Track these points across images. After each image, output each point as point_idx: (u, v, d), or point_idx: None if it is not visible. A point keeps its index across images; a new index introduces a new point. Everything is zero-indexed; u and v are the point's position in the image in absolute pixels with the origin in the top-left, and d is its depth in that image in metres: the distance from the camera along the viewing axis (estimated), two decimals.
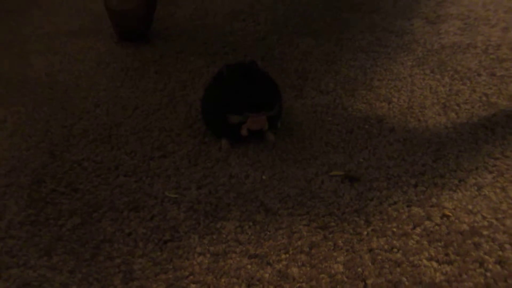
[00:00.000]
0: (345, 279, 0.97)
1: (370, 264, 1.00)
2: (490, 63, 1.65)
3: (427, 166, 1.25)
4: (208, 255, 1.03)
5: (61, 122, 1.44)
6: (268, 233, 1.08)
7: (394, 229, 1.08)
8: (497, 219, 1.10)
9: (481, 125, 1.39)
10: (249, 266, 1.01)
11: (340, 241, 1.05)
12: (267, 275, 0.98)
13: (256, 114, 1.27)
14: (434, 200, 1.15)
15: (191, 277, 0.99)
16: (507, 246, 1.03)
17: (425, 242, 1.05)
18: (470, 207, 1.13)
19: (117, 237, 1.08)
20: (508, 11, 1.98)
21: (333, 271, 0.99)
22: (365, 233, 1.07)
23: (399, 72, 1.63)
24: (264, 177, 1.23)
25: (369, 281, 0.97)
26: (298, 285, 0.97)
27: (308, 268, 0.99)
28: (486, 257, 1.01)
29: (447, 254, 1.02)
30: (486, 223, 1.09)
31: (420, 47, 1.77)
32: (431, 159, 1.28)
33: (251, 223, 1.11)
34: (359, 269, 0.99)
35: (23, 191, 1.21)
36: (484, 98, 1.49)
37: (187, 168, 1.27)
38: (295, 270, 0.99)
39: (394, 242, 1.05)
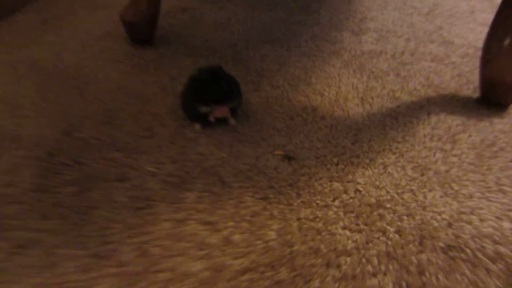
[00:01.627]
0: (276, 245, 0.75)
1: (297, 232, 0.78)
2: (396, 66, 1.39)
3: (347, 148, 1.01)
4: (171, 222, 0.80)
5: (78, 107, 1.18)
6: (221, 202, 0.85)
7: (318, 201, 0.85)
8: (397, 193, 0.87)
9: (388, 115, 1.14)
10: (202, 232, 0.78)
11: (275, 211, 0.83)
12: (215, 241, 0.76)
13: (220, 105, 1.03)
14: (350, 176, 0.92)
15: (155, 241, 0.76)
16: (404, 217, 0.81)
17: (341, 213, 0.82)
18: (377, 182, 0.90)
19: (102, 205, 0.85)
20: (410, 26, 1.70)
21: (267, 238, 0.76)
22: (295, 204, 0.84)
23: (331, 72, 1.37)
24: (223, 155, 0.99)
25: (295, 247, 0.74)
26: (238, 249, 0.74)
27: (248, 235, 0.77)
28: (388, 227, 0.78)
29: (357, 224, 0.79)
30: (389, 197, 0.86)
31: (346, 53, 1.50)
32: (350, 142, 1.04)
33: (208, 194, 0.87)
34: (288, 236, 0.77)
35: (38, 162, 0.96)
36: (391, 93, 1.24)
37: (166, 146, 1.02)
38: (237, 236, 0.77)
39: (317, 212, 0.82)
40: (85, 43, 1.56)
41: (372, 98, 1.22)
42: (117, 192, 0.88)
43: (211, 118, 1.05)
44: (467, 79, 1.30)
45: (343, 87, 1.28)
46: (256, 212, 0.82)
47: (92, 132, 1.07)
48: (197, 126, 1.08)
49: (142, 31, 1.51)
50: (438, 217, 0.81)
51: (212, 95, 1.01)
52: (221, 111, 1.04)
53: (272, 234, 0.77)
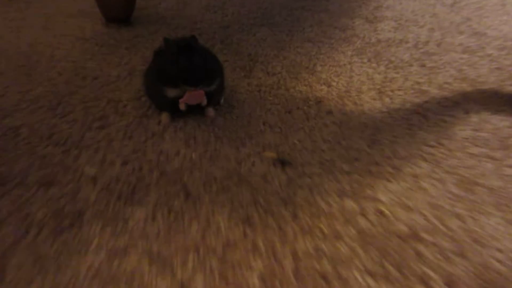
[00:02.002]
0: None
1: (292, 279, 0.49)
2: (420, 56, 1.11)
3: (362, 152, 0.73)
4: (104, 251, 0.52)
5: (19, 88, 0.90)
6: (182, 224, 0.57)
7: (323, 227, 0.57)
8: (438, 218, 0.59)
9: (414, 112, 0.86)
10: (146, 271, 0.50)
11: (260, 241, 0.54)
12: (163, 287, 0.47)
13: (193, 89, 0.74)
14: (368, 191, 0.63)
15: (71, 284, 0.48)
16: (454, 258, 0.53)
17: (358, 247, 0.54)
18: (407, 201, 0.62)
19: (9, 220, 0.57)
20: (432, 16, 1.42)
21: (245, 286, 0.48)
22: (290, 230, 0.56)
23: (340, 59, 1.09)
24: (194, 155, 0.71)
25: None
26: None
27: (216, 279, 0.49)
28: (432, 273, 0.50)
29: (383, 266, 0.51)
30: (426, 224, 0.58)
31: (359, 40, 1.23)
32: (366, 144, 0.75)
33: (165, 211, 0.59)
34: (278, 284, 0.48)
35: None
36: (416, 86, 0.96)
37: (120, 141, 0.74)
38: (199, 280, 0.48)
39: (322, 245, 0.54)
40: (50, 20, 1.29)
41: (393, 91, 0.94)
42: (35, 202, 0.60)
43: (182, 106, 0.77)
44: (509, 73, 1.02)
45: (356, 77, 1.00)
46: (232, 242, 0.54)
47: (28, 119, 0.79)
48: (164, 116, 0.80)
49: (116, 7, 1.24)
50: (502, 257, 0.53)
51: (182, 74, 0.73)
52: (195, 96, 0.75)
53: (254, 281, 0.49)
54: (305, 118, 0.83)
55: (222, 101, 0.86)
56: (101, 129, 0.77)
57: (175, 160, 0.69)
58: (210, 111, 0.81)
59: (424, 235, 0.56)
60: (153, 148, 0.72)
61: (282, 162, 0.69)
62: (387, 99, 0.90)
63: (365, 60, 1.09)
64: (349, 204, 0.61)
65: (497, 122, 0.82)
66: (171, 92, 0.75)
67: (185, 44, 0.74)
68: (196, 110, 0.81)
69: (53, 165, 0.67)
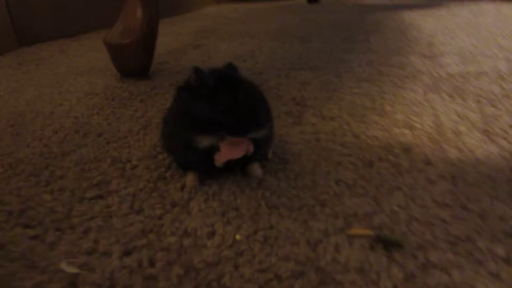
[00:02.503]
0: None
1: None
2: None
3: (511, 220, 0.45)
4: None
5: (1, 150, 0.69)
6: None
7: None
8: None
9: None
10: None
11: None
12: None
13: (235, 136, 0.50)
14: None
15: None
16: None
17: None
18: None
19: None
20: (499, 48, 1.20)
21: None
22: None
23: (412, 98, 0.85)
24: (238, 236, 0.44)
25: None
26: None
27: None
28: None
29: None
30: None
31: (426, 76, 0.99)
32: (508, 205, 0.48)
33: None
34: None
35: None
36: None
37: (123, 217, 0.49)
38: None
39: None
40: (59, 79, 1.12)
41: (505, 130, 0.68)
42: None
43: (219, 161, 0.52)
44: None
45: (443, 116, 0.75)
46: None
47: None
48: (190, 178, 0.55)
49: (131, 58, 1.06)
50: None
51: (219, 116, 0.49)
52: (238, 148, 0.51)
53: None
54: (396, 172, 0.56)
55: (270, 155, 0.61)
56: (98, 200, 0.53)
57: (207, 247, 0.43)
58: (257, 169, 0.56)
59: None
60: (172, 226, 0.47)
61: (385, 244, 0.42)
62: (502, 141, 0.64)
63: (445, 96, 0.85)
64: None
65: None
66: (203, 141, 0.51)
67: (225, 75, 0.51)
68: (235, 168, 0.56)
69: (13, 259, 0.42)
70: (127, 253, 0.43)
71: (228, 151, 0.50)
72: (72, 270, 0.40)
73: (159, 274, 0.40)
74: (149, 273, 0.40)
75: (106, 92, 0.98)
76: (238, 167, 0.56)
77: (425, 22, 1.80)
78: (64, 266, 0.40)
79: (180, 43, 1.55)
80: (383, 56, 1.21)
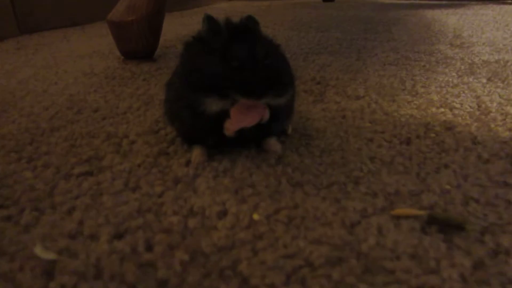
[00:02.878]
0: None
1: None
2: None
3: None
4: None
5: None
6: None
7: None
8: None
9: None
10: None
11: None
12: None
13: (249, 99, 0.41)
14: None
15: None
16: None
17: None
18: None
19: None
20: None
21: None
22: None
23: (448, 81, 0.77)
24: (256, 216, 0.36)
25: None
26: None
27: None
28: None
29: None
30: None
31: (459, 62, 0.91)
32: None
33: None
34: None
35: None
36: None
37: (115, 195, 0.41)
38: None
39: None
40: (58, 60, 1.05)
41: None
42: None
43: (230, 130, 0.43)
44: None
45: (485, 98, 0.66)
46: None
47: None
48: (198, 152, 0.47)
49: (136, 37, 0.99)
50: None
51: (236, 75, 0.40)
52: (253, 114, 0.42)
53: None
54: (440, 150, 0.48)
55: (290, 130, 0.53)
56: (86, 177, 0.45)
57: (218, 228, 0.35)
58: (275, 143, 0.48)
59: None
60: (175, 205, 0.38)
61: (441, 226, 0.33)
62: None
63: (484, 80, 0.76)
64: None
65: None
66: (214, 105, 0.42)
67: (243, 27, 0.43)
68: (247, 143, 0.48)
69: None
70: (119, 235, 0.35)
71: (240, 117, 0.42)
72: (49, 256, 0.32)
73: (158, 261, 0.32)
74: (145, 259, 0.32)
75: (106, 72, 0.91)
76: (252, 141, 0.48)
77: (448, 18, 1.71)
78: (38, 251, 0.32)
79: (189, 31, 1.47)
80: (407, 44, 1.13)
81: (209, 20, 0.43)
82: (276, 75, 0.42)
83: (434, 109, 0.61)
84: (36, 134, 0.57)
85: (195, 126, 0.45)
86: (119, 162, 0.47)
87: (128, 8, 0.96)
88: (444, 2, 2.48)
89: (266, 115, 0.43)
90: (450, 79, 0.77)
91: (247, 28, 0.44)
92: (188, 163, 0.46)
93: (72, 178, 0.44)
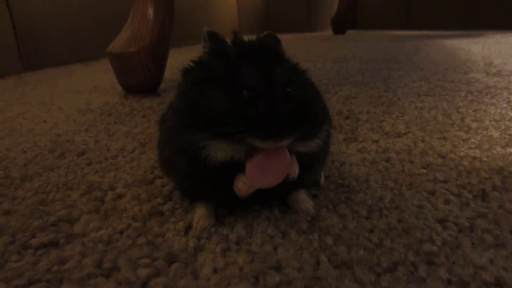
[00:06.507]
0: None
1: None
2: None
3: None
4: None
5: None
6: None
7: None
8: None
9: None
10: None
11: None
12: None
13: (266, 141, 0.28)
14: None
15: None
16: None
17: None
18: None
19: None
20: None
21: None
22: None
23: (501, 113, 0.64)
24: None
25: None
26: None
27: None
28: None
29: None
30: None
31: (505, 92, 0.79)
32: None
33: None
34: None
35: None
36: None
37: (79, 284, 0.28)
38: None
39: None
40: (55, 96, 0.96)
41: None
42: None
43: (242, 191, 0.31)
44: None
45: None
46: None
47: None
48: (200, 214, 0.34)
49: (139, 69, 0.89)
50: None
51: (247, 111, 0.28)
52: (275, 164, 0.29)
53: None
54: None
55: (323, 180, 0.40)
56: (48, 250, 0.32)
57: None
58: (305, 200, 0.36)
59: None
60: None
61: None
62: None
63: None
64: None
65: None
66: (218, 152, 0.30)
67: (257, 44, 0.32)
68: (267, 198, 0.36)
69: None
70: None
71: (258, 175, 0.30)
72: None
73: None
74: None
75: (103, 108, 0.80)
76: (275, 195, 0.36)
77: (471, 47, 1.61)
78: None
79: None
80: (437, 73, 1.01)
81: (212, 37, 0.32)
82: (304, 108, 0.30)
83: (499, 149, 0.48)
84: (2, 186, 0.45)
85: (194, 178, 0.33)
86: (95, 228, 0.35)
87: (129, 38, 0.87)
88: (460, 33, 2.39)
89: (295, 170, 0.31)
90: (504, 111, 0.65)
91: (263, 47, 0.33)
92: (188, 228, 0.34)
93: (29, 252, 0.32)
